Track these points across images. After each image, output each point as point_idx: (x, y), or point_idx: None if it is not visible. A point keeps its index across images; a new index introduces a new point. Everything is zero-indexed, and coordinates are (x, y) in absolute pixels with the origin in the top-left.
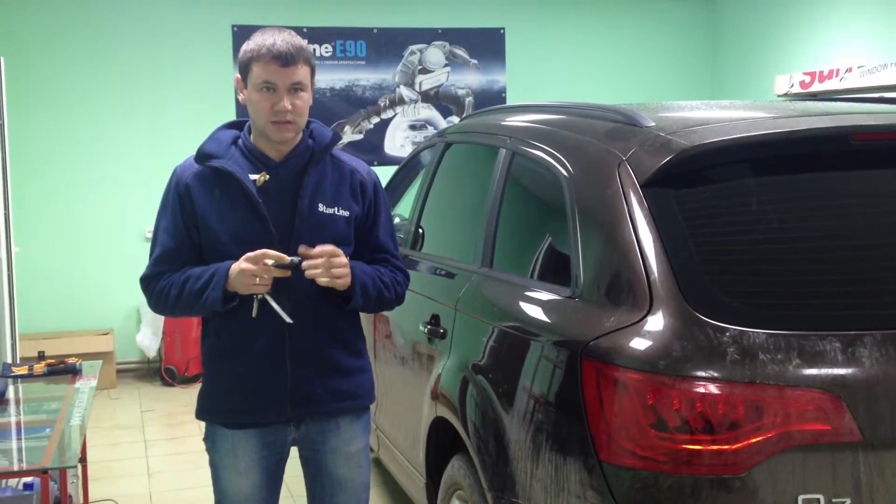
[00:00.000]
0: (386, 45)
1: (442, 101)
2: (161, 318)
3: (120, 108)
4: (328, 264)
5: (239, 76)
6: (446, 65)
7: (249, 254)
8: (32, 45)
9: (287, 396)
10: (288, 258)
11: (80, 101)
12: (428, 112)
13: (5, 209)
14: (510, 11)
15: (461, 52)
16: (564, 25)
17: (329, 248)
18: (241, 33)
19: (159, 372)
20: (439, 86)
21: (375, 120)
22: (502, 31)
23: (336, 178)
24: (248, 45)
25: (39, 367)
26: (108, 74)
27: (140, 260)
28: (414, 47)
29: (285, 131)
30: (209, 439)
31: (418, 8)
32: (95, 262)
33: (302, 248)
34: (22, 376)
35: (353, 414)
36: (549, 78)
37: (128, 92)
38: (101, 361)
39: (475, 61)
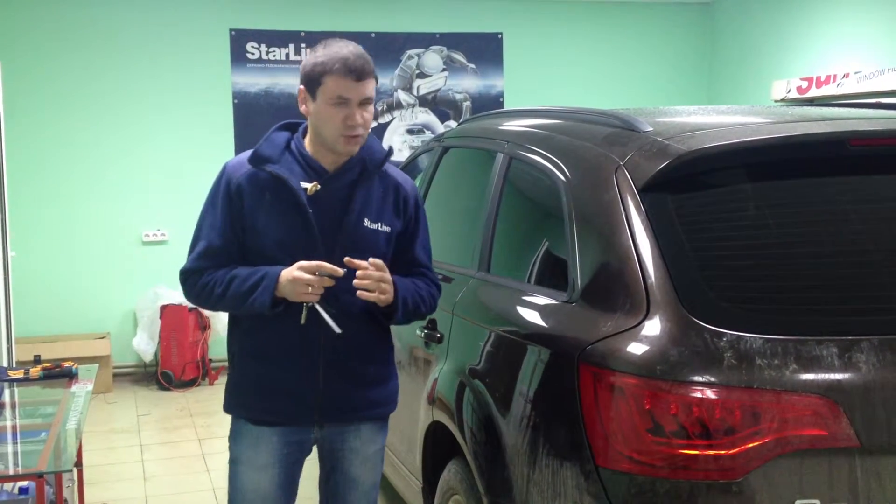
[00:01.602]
0: (384, 49)
1: (439, 105)
2: (157, 323)
3: (117, 112)
4: (380, 278)
5: (304, 87)
6: (444, 69)
7: (304, 263)
8: (30, 50)
9: (317, 402)
10: (341, 271)
11: (77, 105)
12: (425, 116)
13: (2, 213)
14: (508, 16)
15: (459, 57)
16: (562, 30)
17: (379, 262)
18: (239, 37)
19: (155, 376)
20: (437, 90)
21: (373, 124)
22: (500, 35)
23: (382, 192)
24: (318, 58)
25: (35, 371)
26: (106, 78)
27: (136, 264)
28: (412, 52)
29: (354, 144)
30: (232, 434)
31: (416, 12)
32: (92, 266)
33: (347, 260)
34: (18, 380)
35: (381, 420)
36: (546, 82)
37: (125, 96)
38: (97, 365)
39: (473, 66)
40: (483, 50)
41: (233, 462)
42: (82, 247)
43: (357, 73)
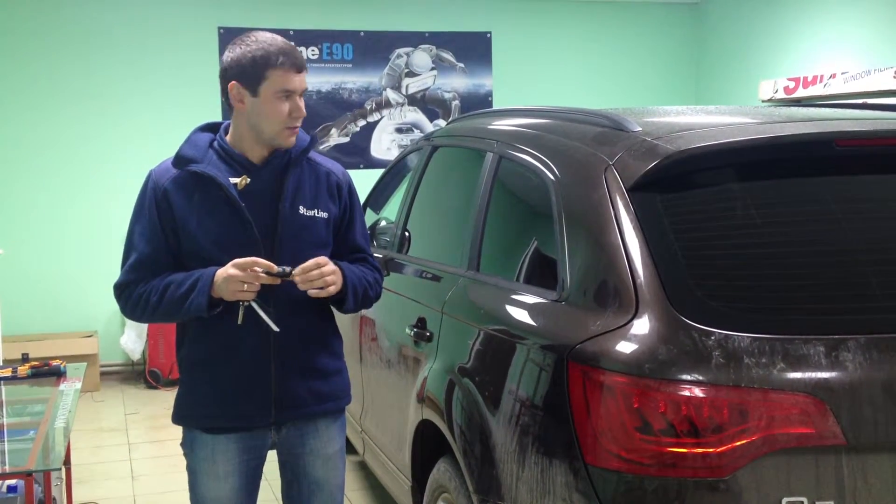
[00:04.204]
0: (373, 48)
1: (428, 104)
2: None
3: (105, 110)
4: (320, 274)
5: (238, 83)
6: (433, 68)
7: (238, 260)
8: (17, 47)
9: (272, 400)
10: (277, 268)
11: (64, 103)
12: (414, 115)
13: None
14: (497, 15)
15: (448, 56)
16: (551, 30)
17: (319, 259)
18: (227, 35)
19: (143, 374)
20: (426, 89)
21: (362, 123)
22: (489, 34)
23: (313, 180)
24: (255, 52)
25: (23, 370)
26: (94, 76)
27: None
28: (401, 50)
29: (294, 136)
30: (187, 444)
31: (405, 11)
32: (79, 265)
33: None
34: (6, 378)
35: (332, 416)
36: (535, 82)
37: (113, 94)
38: (85, 364)
39: (462, 65)
40: (472, 49)
41: (191, 471)
42: (69, 245)
43: (299, 64)
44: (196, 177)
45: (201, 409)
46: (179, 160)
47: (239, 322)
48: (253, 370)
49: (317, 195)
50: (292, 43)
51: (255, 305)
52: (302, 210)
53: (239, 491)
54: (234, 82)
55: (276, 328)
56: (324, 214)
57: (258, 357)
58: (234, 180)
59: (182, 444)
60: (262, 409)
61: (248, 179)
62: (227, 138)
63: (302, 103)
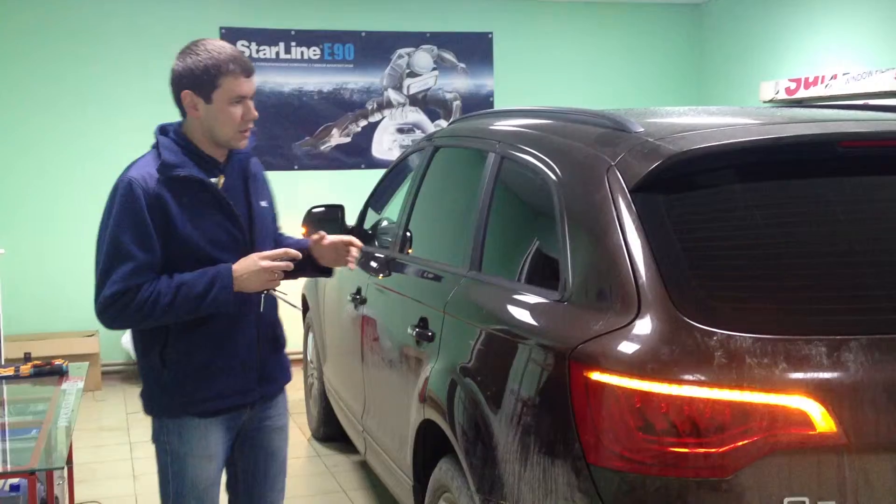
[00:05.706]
0: (374, 48)
1: (430, 104)
2: None
3: (106, 110)
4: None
5: (191, 91)
6: (434, 68)
7: (268, 253)
8: (16, 44)
9: (258, 376)
10: (299, 254)
11: (64, 103)
12: (416, 115)
13: None
14: (498, 16)
15: (449, 56)
16: (552, 30)
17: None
18: (229, 35)
19: None
20: (427, 89)
21: (363, 123)
22: (490, 35)
23: (254, 172)
24: (206, 60)
25: (26, 369)
26: (94, 74)
27: None
28: (402, 51)
29: (247, 138)
30: (172, 433)
31: (406, 11)
32: (81, 264)
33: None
34: (8, 378)
35: (284, 390)
36: (536, 82)
37: (113, 92)
38: (87, 363)
39: (463, 65)
40: (473, 49)
41: (180, 457)
42: (70, 244)
43: (249, 69)
44: (182, 180)
45: (196, 394)
46: (168, 167)
47: (261, 309)
48: (247, 352)
49: (262, 187)
50: (241, 50)
51: (274, 292)
52: (262, 203)
53: (220, 470)
54: (187, 91)
55: (298, 306)
56: (266, 204)
57: (251, 339)
58: (213, 180)
59: (158, 436)
60: (252, 384)
61: (223, 178)
62: (191, 139)
63: (252, 106)
